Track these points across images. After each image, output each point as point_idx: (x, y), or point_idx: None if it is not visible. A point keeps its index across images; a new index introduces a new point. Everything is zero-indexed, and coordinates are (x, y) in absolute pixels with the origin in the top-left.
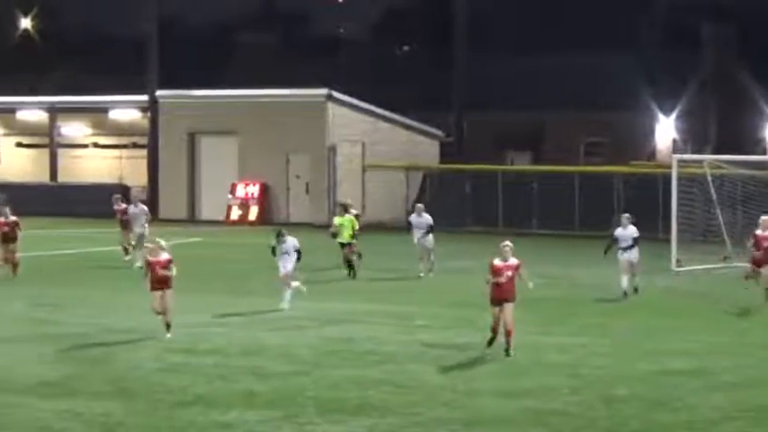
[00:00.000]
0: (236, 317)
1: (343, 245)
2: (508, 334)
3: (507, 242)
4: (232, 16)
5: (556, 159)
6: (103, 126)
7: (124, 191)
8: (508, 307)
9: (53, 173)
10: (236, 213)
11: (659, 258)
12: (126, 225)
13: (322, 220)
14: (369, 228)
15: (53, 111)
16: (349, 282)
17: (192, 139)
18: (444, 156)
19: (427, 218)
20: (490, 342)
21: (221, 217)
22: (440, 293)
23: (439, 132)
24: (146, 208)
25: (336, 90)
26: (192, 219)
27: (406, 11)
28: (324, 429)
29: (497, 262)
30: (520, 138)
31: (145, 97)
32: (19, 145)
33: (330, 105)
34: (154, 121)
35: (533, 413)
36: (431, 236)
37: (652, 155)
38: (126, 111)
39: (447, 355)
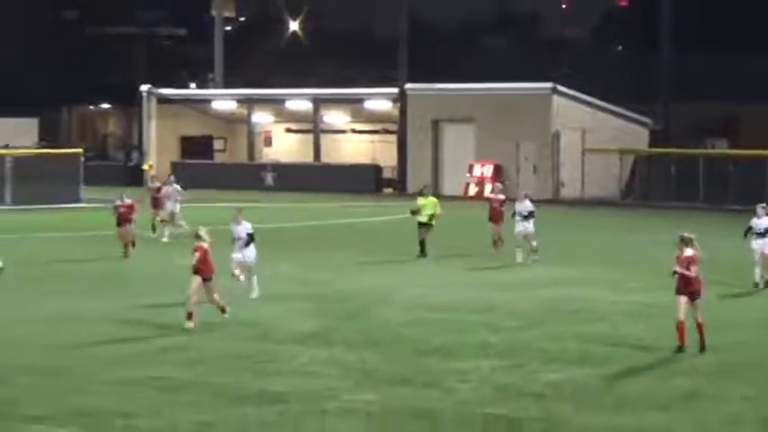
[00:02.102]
0: (467, 280)
1: (421, 224)
2: (699, 327)
3: (683, 234)
4: (471, 18)
5: (750, 145)
6: (359, 114)
7: (377, 170)
8: (695, 304)
9: (316, 154)
10: (472, 190)
11: None
12: (156, 204)
13: (546, 197)
14: (588, 204)
15: (317, 101)
16: (561, 250)
17: (435, 126)
18: (652, 141)
19: (528, 204)
20: (679, 349)
21: (461, 193)
22: (646, 262)
23: (648, 120)
24: (179, 187)
25: (560, 84)
26: (437, 195)
27: (621, 14)
28: (546, 377)
29: (677, 252)
30: (718, 126)
31: (395, 90)
32: (288, 131)
33: (555, 98)
34: (403, 111)
35: (723, 365)
36: (532, 222)
37: None
38: (379, 101)
39: (654, 313)
